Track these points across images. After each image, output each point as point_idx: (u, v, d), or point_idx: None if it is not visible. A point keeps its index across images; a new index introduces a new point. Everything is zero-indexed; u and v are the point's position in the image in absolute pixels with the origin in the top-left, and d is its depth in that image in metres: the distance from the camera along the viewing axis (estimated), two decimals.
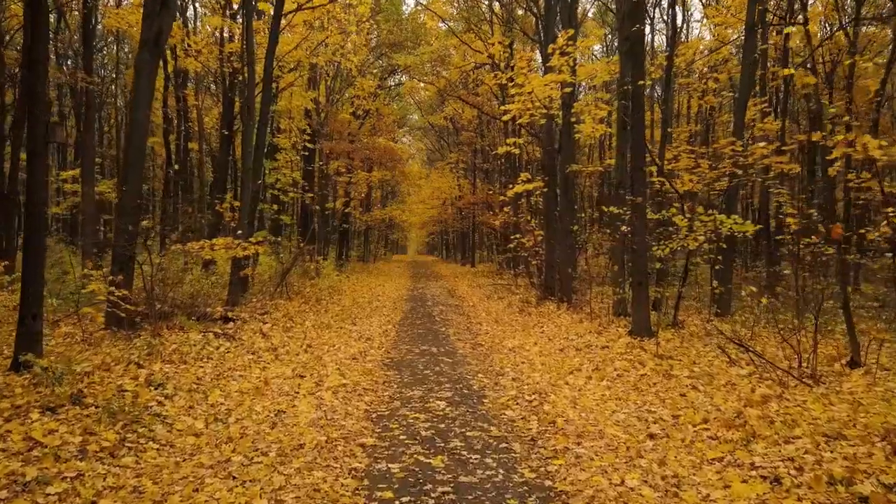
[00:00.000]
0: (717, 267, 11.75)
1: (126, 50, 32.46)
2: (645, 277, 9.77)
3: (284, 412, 6.13)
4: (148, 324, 9.74)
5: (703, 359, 8.36)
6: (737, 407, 5.94)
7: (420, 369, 8.32)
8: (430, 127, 45.21)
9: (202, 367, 7.84)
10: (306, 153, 24.56)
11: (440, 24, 30.49)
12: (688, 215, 8.84)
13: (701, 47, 22.90)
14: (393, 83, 40.63)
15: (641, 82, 9.79)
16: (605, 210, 10.99)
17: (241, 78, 17.97)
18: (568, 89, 13.62)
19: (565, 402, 6.62)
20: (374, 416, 6.17)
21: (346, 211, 31.51)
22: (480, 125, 35.27)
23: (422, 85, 39.30)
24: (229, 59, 17.64)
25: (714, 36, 23.33)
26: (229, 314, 11.34)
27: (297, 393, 6.89)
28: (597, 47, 36.06)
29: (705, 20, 22.34)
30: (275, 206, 20.74)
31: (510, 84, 14.39)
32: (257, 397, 6.72)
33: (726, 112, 31.58)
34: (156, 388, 6.46)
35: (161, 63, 24.53)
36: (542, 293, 15.78)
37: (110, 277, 9.39)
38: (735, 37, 22.32)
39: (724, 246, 10.16)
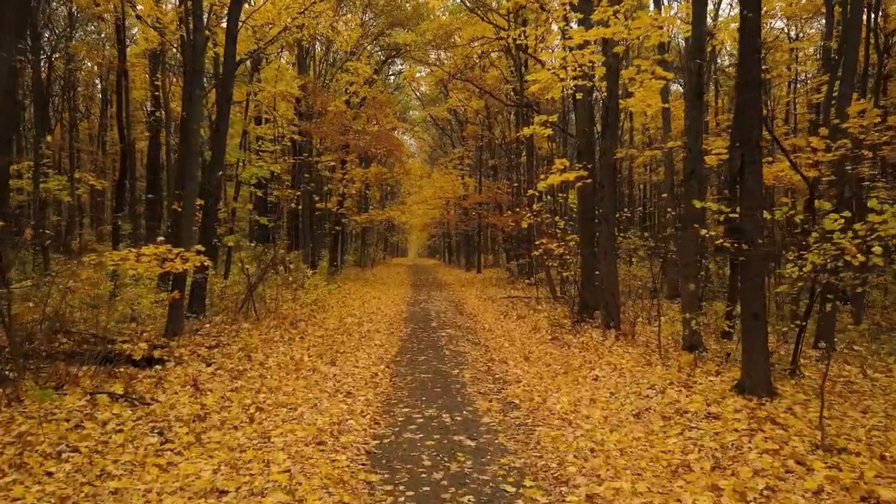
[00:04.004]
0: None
1: (94, 33, 29.37)
2: (763, 307, 6.50)
3: None
4: (29, 376, 6.51)
5: (893, 447, 5.09)
6: None
7: (426, 468, 5.05)
8: (432, 122, 42.02)
9: (52, 473, 4.58)
10: (291, 143, 21.33)
11: (440, 10, 27.36)
12: (845, 214, 5.57)
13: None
14: (392, 73, 37.47)
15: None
16: (687, 206, 7.72)
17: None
18: (619, 48, 10.37)
19: None
20: None
21: (340, 212, 28.23)
22: (489, 117, 32.04)
23: (423, 73, 36.12)
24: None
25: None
26: (156, 353, 8.06)
27: None
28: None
29: None
30: (250, 206, 17.51)
31: (539, 46, 11.12)
32: None
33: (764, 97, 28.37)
34: None
35: (117, 38, 21.24)
36: (578, 313, 12.51)
37: None
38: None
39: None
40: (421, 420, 6.35)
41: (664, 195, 18.91)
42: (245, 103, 19.15)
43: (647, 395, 7.04)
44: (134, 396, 6.33)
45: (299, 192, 21.87)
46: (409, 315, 15.52)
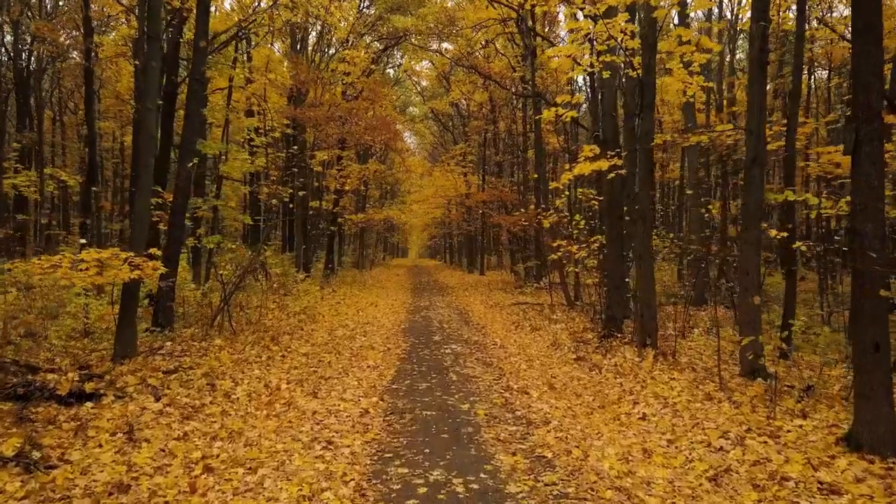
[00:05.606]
0: None
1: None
2: (887, 335, 4.82)
3: None
4: None
5: None
6: None
7: None
8: (433, 116, 40.33)
9: None
10: (281, 136, 19.63)
11: None
12: None
13: None
14: (391, 66, 35.82)
15: None
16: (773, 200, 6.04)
17: (176, 21, 13.15)
18: (661, 11, 8.70)
19: None
20: None
21: (336, 211, 26.53)
22: (493, 110, 30.36)
23: (424, 66, 34.49)
24: None
25: None
26: (88, 386, 6.37)
27: None
28: None
29: None
30: (233, 204, 15.85)
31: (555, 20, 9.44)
32: None
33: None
34: None
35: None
36: (604, 326, 10.85)
37: None
38: None
39: None
40: (423, 489, 4.66)
41: (689, 192, 17.25)
42: (228, 90, 17.48)
43: (721, 448, 5.35)
44: (31, 459, 4.64)
45: (291, 190, 20.20)
46: (409, 326, 13.83)
